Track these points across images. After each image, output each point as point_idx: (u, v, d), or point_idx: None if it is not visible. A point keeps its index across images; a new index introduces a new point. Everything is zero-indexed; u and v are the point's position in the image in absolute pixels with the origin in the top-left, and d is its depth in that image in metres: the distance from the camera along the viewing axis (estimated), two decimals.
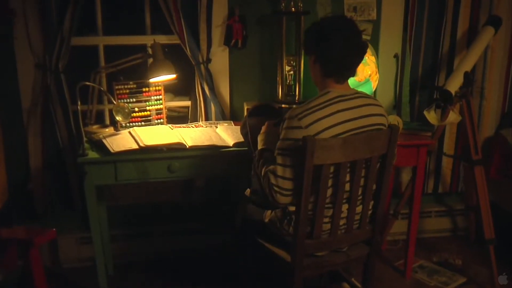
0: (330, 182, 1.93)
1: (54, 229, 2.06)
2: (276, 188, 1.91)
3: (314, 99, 1.92)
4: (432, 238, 3.34)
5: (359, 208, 2.04)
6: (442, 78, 3.05)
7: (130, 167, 2.37)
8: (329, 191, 1.94)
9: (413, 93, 3.06)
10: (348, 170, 1.93)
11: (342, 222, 2.02)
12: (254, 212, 2.27)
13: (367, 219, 2.09)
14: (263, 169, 1.98)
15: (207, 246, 3.04)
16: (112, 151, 2.31)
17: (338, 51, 1.90)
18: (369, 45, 2.74)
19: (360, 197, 2.02)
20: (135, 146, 2.36)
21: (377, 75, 2.75)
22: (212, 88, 2.80)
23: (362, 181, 1.99)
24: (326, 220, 1.98)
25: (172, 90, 3.07)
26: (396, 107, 3.04)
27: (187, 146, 2.39)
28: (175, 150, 2.39)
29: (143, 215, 3.03)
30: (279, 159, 1.90)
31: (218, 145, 2.42)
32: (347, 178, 1.95)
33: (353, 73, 1.99)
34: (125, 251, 2.98)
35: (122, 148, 2.33)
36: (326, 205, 1.95)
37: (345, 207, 2.00)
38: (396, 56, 2.98)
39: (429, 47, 3.02)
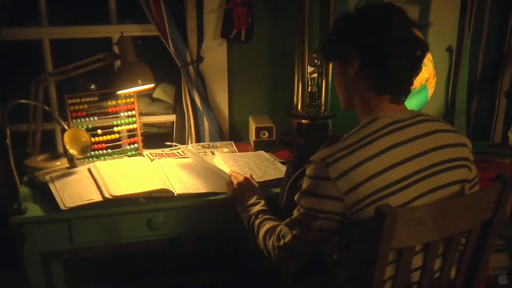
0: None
1: None
2: (286, 249, 1.40)
3: (354, 132, 1.35)
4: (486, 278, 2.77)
5: None
6: (507, 79, 2.49)
7: (93, 225, 1.70)
8: (407, 276, 1.36)
9: (469, 98, 2.50)
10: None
11: None
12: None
13: None
14: (265, 226, 1.50)
15: None
16: (63, 207, 1.63)
17: (399, 51, 1.31)
18: None
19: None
20: (98, 198, 1.68)
21: (435, 78, 2.09)
22: (205, 98, 2.26)
23: None
24: None
25: (148, 93, 2.69)
26: (447, 116, 2.47)
27: (175, 194, 1.72)
28: (158, 199, 1.71)
29: (114, 267, 2.48)
30: (300, 217, 1.37)
31: (217, 191, 1.76)
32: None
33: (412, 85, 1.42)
34: None
35: (79, 202, 1.64)
36: None
37: None
38: (449, 49, 2.43)
39: (492, 37, 2.47)
